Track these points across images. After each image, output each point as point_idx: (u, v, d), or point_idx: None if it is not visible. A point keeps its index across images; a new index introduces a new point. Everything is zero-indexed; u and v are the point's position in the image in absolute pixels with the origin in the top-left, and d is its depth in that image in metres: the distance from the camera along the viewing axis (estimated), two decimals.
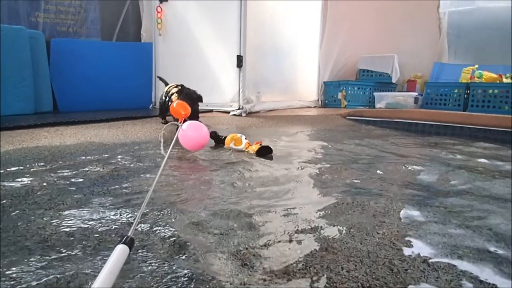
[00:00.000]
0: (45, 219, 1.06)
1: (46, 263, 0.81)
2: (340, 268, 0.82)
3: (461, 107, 4.34)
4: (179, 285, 0.74)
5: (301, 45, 5.05)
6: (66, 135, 2.51)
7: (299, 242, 0.95)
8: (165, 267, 0.80)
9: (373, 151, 2.31)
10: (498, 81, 4.23)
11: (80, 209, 1.14)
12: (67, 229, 0.99)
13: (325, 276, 0.79)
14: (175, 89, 3.08)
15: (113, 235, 0.96)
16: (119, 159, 1.84)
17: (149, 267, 0.80)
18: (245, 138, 2.19)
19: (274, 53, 4.63)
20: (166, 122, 3.24)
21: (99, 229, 0.99)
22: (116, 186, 1.39)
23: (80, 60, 4.14)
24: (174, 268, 0.80)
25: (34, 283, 0.73)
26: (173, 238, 0.95)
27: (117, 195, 1.30)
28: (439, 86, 4.67)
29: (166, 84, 3.32)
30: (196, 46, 4.29)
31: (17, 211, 1.11)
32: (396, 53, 5.32)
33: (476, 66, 4.49)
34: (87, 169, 1.63)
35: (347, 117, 4.06)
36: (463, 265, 0.85)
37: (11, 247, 0.88)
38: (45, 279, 0.74)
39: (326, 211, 1.18)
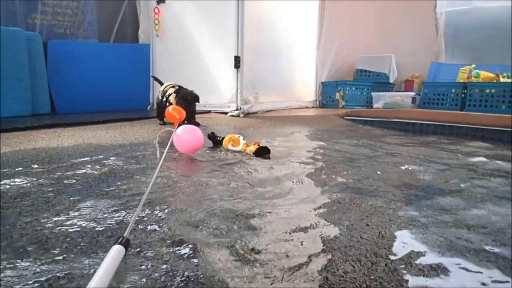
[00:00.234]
0: (41, 220, 1.05)
1: (42, 263, 0.81)
2: (337, 269, 0.82)
3: (459, 107, 4.35)
4: (179, 284, 0.74)
5: (298, 45, 5.06)
6: (63, 136, 2.51)
7: (297, 241, 0.95)
8: (164, 266, 0.80)
9: (370, 151, 2.32)
10: (495, 81, 4.24)
11: (76, 210, 1.14)
12: (64, 230, 0.99)
13: (323, 275, 0.79)
14: (172, 90, 3.09)
15: (109, 236, 0.96)
16: (116, 161, 1.84)
17: (149, 266, 0.80)
18: (243, 139, 2.19)
19: (271, 53, 4.63)
20: (164, 123, 3.24)
21: (95, 230, 0.99)
22: (114, 187, 1.39)
23: (78, 62, 4.13)
24: (174, 266, 0.80)
25: (30, 283, 0.72)
26: (173, 237, 0.95)
27: (114, 196, 1.29)
28: (437, 86, 4.68)
29: (161, 84, 3.32)
30: (194, 47, 4.29)
31: (14, 212, 1.11)
32: (393, 53, 5.34)
33: (473, 65, 4.50)
34: (84, 170, 1.63)
35: (345, 117, 4.06)
36: (461, 263, 0.85)
37: (7, 248, 0.88)
38: (42, 279, 0.74)
39: (324, 210, 1.18)
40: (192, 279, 0.76)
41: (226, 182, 1.51)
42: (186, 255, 0.86)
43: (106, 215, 1.11)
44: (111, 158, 1.88)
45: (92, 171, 1.62)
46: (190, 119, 2.96)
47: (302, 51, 5.14)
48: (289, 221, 1.09)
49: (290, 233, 1.00)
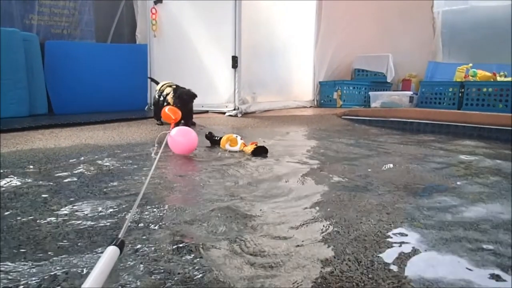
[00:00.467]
0: (38, 221, 1.05)
1: (39, 263, 0.81)
2: (333, 268, 0.82)
3: (456, 106, 4.36)
4: (179, 282, 0.74)
5: (296, 45, 5.06)
6: (61, 137, 2.51)
7: (297, 239, 0.95)
8: (164, 264, 0.80)
9: (368, 150, 2.32)
10: (492, 80, 4.25)
11: (73, 210, 1.14)
12: (61, 229, 0.99)
13: (320, 273, 0.79)
14: (169, 89, 3.08)
15: (106, 235, 0.96)
16: (114, 161, 1.84)
17: (148, 264, 0.80)
18: (241, 139, 2.19)
19: (269, 53, 4.63)
20: (162, 123, 3.23)
21: (92, 229, 0.99)
22: (111, 188, 1.39)
23: (75, 62, 4.11)
24: (173, 265, 0.80)
25: (26, 281, 0.72)
26: (172, 235, 0.95)
27: (111, 196, 1.29)
28: (434, 85, 4.69)
29: (157, 83, 3.31)
30: (191, 47, 4.29)
31: (11, 212, 1.11)
32: (391, 53, 5.35)
33: (470, 64, 4.51)
34: (82, 170, 1.63)
35: (343, 117, 4.07)
36: (458, 261, 0.85)
37: (4, 248, 0.88)
38: (38, 278, 0.74)
39: (322, 209, 1.19)
40: (192, 277, 0.76)
41: (224, 182, 1.51)
42: (185, 253, 0.87)
43: (102, 215, 1.11)
44: (108, 159, 1.88)
45: (89, 172, 1.62)
46: (187, 118, 2.96)
47: (299, 50, 5.14)
48: (288, 219, 1.09)
49: (288, 231, 1.00)
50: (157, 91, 3.18)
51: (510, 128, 2.93)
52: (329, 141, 2.65)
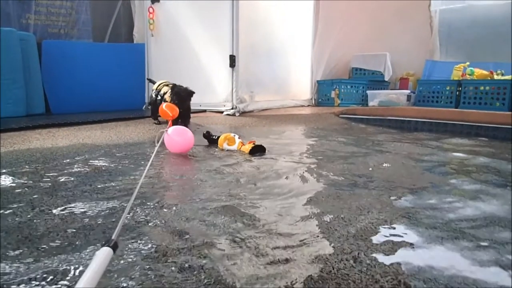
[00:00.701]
0: (35, 220, 1.05)
1: (35, 261, 0.81)
2: (331, 266, 0.82)
3: (453, 104, 4.37)
4: (178, 282, 0.74)
5: (294, 44, 5.06)
6: (58, 137, 2.50)
7: (296, 238, 0.96)
8: (163, 264, 0.80)
9: (365, 148, 2.32)
10: (489, 78, 4.26)
11: (69, 209, 1.14)
12: (58, 228, 0.98)
13: (318, 270, 0.79)
14: (167, 88, 3.07)
15: (102, 234, 0.96)
16: (111, 160, 1.84)
17: (147, 264, 0.80)
18: (238, 138, 2.19)
19: (267, 52, 4.63)
20: (159, 123, 3.23)
21: (88, 228, 0.99)
22: (108, 187, 1.39)
23: (72, 62, 4.10)
24: (172, 263, 0.80)
25: (21, 279, 0.72)
26: (171, 234, 0.95)
27: (108, 195, 1.29)
28: (431, 83, 4.70)
29: (154, 83, 3.30)
30: (189, 47, 4.28)
31: (8, 212, 1.10)
32: (388, 52, 5.35)
33: (468, 63, 4.52)
34: (79, 170, 1.62)
35: (340, 116, 4.08)
36: (455, 258, 0.86)
37: (1, 247, 0.88)
38: (32, 275, 0.74)
39: (320, 206, 1.19)
40: (191, 276, 0.76)
41: (222, 180, 1.51)
42: (184, 251, 0.87)
43: (99, 214, 1.11)
44: (106, 158, 1.88)
45: (86, 171, 1.61)
46: (184, 116, 2.94)
47: (297, 50, 5.14)
48: (286, 217, 1.10)
49: (287, 229, 1.01)
50: (154, 91, 3.17)
51: (507, 126, 2.94)
52: (327, 140, 2.65)
